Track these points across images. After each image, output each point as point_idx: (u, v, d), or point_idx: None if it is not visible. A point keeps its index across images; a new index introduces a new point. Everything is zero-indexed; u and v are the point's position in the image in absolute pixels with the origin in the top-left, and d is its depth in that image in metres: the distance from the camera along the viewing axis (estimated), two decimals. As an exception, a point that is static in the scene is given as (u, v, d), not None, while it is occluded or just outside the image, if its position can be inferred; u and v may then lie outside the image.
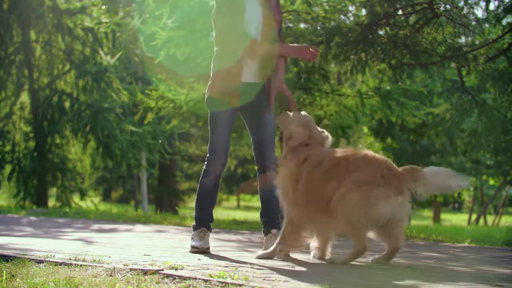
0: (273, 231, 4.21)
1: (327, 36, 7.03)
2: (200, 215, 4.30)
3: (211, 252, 4.20)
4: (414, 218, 25.54)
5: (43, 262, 3.37)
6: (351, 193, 3.49)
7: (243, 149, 23.76)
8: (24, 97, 14.34)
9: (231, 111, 4.22)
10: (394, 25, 6.88)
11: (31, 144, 13.92)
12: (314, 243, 3.88)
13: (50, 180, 13.94)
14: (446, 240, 6.29)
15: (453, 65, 7.21)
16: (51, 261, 3.37)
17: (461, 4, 6.87)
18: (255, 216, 6.63)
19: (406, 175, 3.56)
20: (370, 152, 3.68)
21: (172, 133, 15.79)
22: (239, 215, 15.91)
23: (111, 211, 10.86)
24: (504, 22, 7.29)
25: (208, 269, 3.25)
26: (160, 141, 14.39)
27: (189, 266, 3.32)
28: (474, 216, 23.74)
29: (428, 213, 31.65)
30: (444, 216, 30.25)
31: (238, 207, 37.08)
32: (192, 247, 4.19)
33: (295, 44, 4.37)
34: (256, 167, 4.38)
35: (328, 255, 3.83)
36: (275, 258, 3.84)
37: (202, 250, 4.15)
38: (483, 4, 21.22)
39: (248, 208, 33.73)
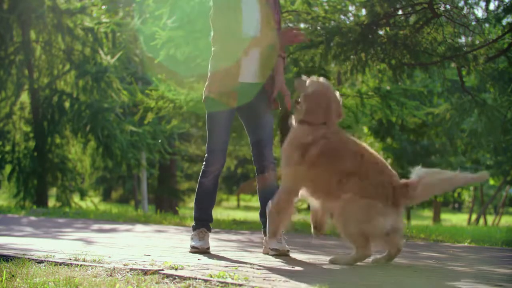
0: (273, 231, 4.21)
1: (327, 36, 7.03)
2: (200, 215, 4.30)
3: (211, 252, 4.20)
4: (414, 218, 25.55)
5: (43, 262, 3.37)
6: (352, 206, 3.53)
7: (243, 149, 23.77)
8: (24, 97, 14.34)
9: (229, 111, 4.22)
10: (394, 25, 6.88)
11: (31, 144, 13.92)
12: (312, 217, 3.92)
13: (50, 180, 13.94)
14: (446, 240, 6.29)
15: (453, 65, 7.21)
16: (51, 261, 3.37)
17: (461, 4, 6.87)
18: (255, 216, 6.64)
19: (401, 192, 3.58)
20: (381, 160, 3.70)
21: (172, 133, 15.80)
22: (239, 215, 15.91)
23: (111, 211, 10.86)
24: (504, 22, 7.29)
25: (208, 269, 3.25)
26: (160, 141, 14.39)
27: (189, 266, 3.32)
28: (474, 216, 23.73)
29: (428, 213, 31.66)
30: (444, 216, 30.25)
31: (238, 207, 37.08)
32: (192, 247, 4.19)
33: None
34: (254, 167, 4.38)
35: (325, 228, 3.89)
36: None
37: (202, 250, 4.15)
38: (483, 4, 21.23)
39: (248, 208, 33.73)
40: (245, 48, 4.11)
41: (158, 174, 21.25)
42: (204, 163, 4.27)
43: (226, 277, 2.90)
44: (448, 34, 6.61)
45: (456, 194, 29.48)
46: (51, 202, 14.75)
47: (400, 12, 6.89)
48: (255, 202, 36.19)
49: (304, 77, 4.02)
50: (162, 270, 3.09)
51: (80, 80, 13.63)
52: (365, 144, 3.81)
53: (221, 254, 4.17)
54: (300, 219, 7.74)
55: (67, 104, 13.75)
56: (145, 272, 3.04)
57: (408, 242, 5.82)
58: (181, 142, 21.36)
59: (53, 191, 15.78)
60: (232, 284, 2.75)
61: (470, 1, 6.81)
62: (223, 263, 3.59)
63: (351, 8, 8.72)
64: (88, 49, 13.88)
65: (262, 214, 4.30)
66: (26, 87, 13.98)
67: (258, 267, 3.41)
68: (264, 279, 2.95)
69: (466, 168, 20.74)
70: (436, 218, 23.21)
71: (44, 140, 13.59)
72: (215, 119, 4.22)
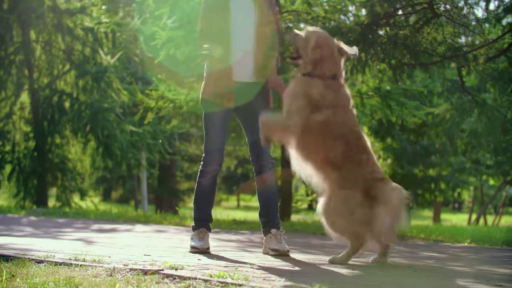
0: (273, 231, 4.20)
1: (327, 36, 7.02)
2: (199, 215, 4.30)
3: (211, 252, 4.20)
4: (414, 218, 25.54)
5: (43, 262, 3.37)
6: (334, 199, 3.54)
7: (243, 149, 23.74)
8: (24, 97, 14.33)
9: (225, 112, 4.23)
10: (394, 25, 6.88)
11: (31, 144, 13.92)
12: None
13: (50, 180, 13.93)
14: (446, 240, 6.28)
15: (453, 65, 7.21)
16: (51, 261, 3.37)
17: (461, 4, 6.87)
18: (255, 216, 6.62)
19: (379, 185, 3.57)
20: (370, 149, 3.69)
21: (172, 133, 15.78)
22: (239, 215, 15.90)
23: (111, 211, 10.86)
24: (504, 22, 7.29)
25: (208, 269, 3.25)
26: (160, 141, 14.39)
27: (189, 266, 3.32)
28: (474, 216, 23.73)
29: (428, 213, 31.64)
30: (444, 216, 30.24)
31: (238, 207, 37.07)
32: (192, 247, 4.19)
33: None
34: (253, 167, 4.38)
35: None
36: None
37: (202, 250, 4.15)
38: (483, 4, 21.21)
39: (248, 208, 33.72)
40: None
41: (158, 174, 21.24)
42: (201, 163, 4.27)
43: (226, 277, 2.90)
44: (448, 34, 6.61)
45: (456, 194, 29.47)
46: (51, 202, 14.75)
47: (400, 12, 6.89)
48: (255, 202, 36.09)
49: (296, 30, 3.95)
50: (162, 270, 3.09)
51: (80, 80, 13.62)
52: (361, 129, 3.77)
53: (221, 254, 4.17)
54: (300, 219, 7.75)
55: (67, 104, 13.74)
56: (145, 272, 3.04)
57: (408, 242, 5.82)
58: (181, 142, 21.34)
59: (53, 191, 15.77)
60: (232, 284, 2.76)
61: (470, 1, 6.81)
62: (223, 263, 3.59)
63: (351, 8, 8.73)
64: (88, 49, 13.87)
65: (262, 214, 4.30)
66: (26, 87, 13.98)
67: (258, 267, 3.41)
68: (264, 279, 2.95)
69: (466, 168, 20.76)
70: (436, 218, 23.21)
71: (44, 140, 13.59)
72: (211, 120, 4.23)
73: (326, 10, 8.25)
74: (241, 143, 18.19)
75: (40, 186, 13.64)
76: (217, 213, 12.35)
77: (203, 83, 4.29)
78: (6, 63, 13.61)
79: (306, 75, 3.75)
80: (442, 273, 3.45)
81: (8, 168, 13.97)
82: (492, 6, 14.43)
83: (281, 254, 4.07)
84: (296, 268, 3.47)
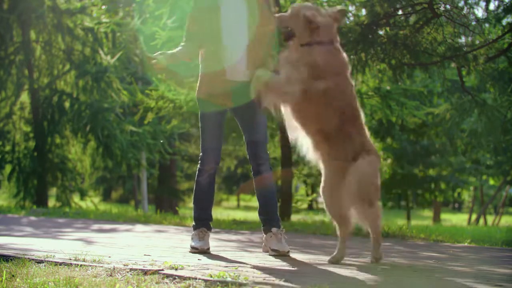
0: (274, 230, 4.20)
1: (327, 36, 7.01)
2: (199, 214, 4.31)
3: (211, 252, 4.20)
4: (414, 218, 25.54)
5: (43, 262, 3.37)
6: (327, 177, 3.68)
7: (243, 149, 23.73)
8: (24, 97, 14.33)
9: (221, 111, 4.24)
10: (394, 25, 6.88)
11: (31, 144, 13.92)
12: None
13: (50, 180, 13.93)
14: (446, 240, 6.28)
15: (453, 65, 7.21)
16: (51, 261, 3.37)
17: (461, 4, 6.88)
18: (255, 216, 6.60)
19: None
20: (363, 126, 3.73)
21: (172, 133, 15.78)
22: (239, 215, 15.90)
23: (111, 211, 10.86)
24: (504, 22, 7.30)
25: (208, 269, 3.25)
26: (161, 142, 14.39)
27: (189, 266, 3.32)
28: (474, 216, 23.73)
29: (428, 213, 31.64)
30: (444, 216, 30.24)
31: (238, 207, 37.07)
32: (192, 247, 4.19)
33: None
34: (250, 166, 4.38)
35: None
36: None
37: (201, 250, 4.15)
38: (483, 4, 21.25)
39: (248, 208, 33.72)
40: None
41: (158, 174, 21.24)
42: (199, 161, 4.29)
43: (226, 277, 2.90)
44: (448, 34, 6.61)
45: (456, 194, 29.48)
46: (51, 202, 14.75)
47: (400, 12, 6.89)
48: (255, 202, 35.79)
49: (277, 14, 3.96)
50: (162, 270, 3.09)
51: (80, 80, 13.62)
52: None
53: (221, 254, 4.17)
54: (300, 219, 7.75)
55: (67, 104, 13.74)
56: (145, 272, 3.04)
57: (408, 242, 5.82)
58: (181, 142, 21.34)
59: (53, 191, 15.77)
60: (232, 284, 2.76)
61: (470, 1, 6.82)
62: (223, 263, 3.59)
63: (351, 8, 8.73)
64: (88, 49, 13.87)
65: (262, 212, 4.30)
66: (26, 87, 13.97)
67: (258, 267, 3.41)
68: (264, 279, 2.95)
69: (466, 168, 20.77)
70: (436, 218, 23.22)
71: (44, 140, 13.59)
72: (206, 119, 4.25)
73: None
74: (241, 143, 18.18)
75: (40, 186, 13.64)
76: (217, 213, 12.34)
77: (198, 83, 4.31)
78: (6, 63, 13.61)
79: (305, 45, 3.75)
80: (442, 273, 3.45)
81: (8, 168, 13.96)
82: (492, 6, 14.44)
83: (281, 255, 4.07)
84: (296, 268, 3.47)
